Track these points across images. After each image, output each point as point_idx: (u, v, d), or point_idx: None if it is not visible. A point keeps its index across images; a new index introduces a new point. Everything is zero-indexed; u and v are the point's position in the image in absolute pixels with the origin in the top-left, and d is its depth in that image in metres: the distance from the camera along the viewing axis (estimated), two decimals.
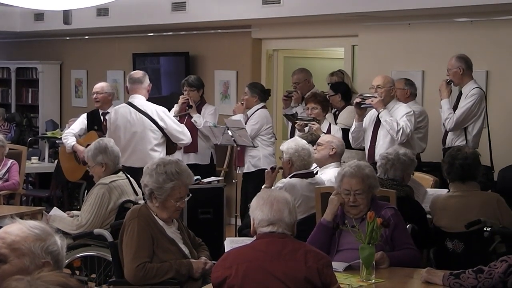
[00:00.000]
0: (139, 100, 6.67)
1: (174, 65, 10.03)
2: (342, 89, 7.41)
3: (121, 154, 5.44)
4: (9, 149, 7.40)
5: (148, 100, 6.77)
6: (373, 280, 3.81)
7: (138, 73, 6.84)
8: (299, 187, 5.37)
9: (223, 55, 9.56)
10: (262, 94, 7.66)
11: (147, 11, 9.40)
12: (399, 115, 6.24)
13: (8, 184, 7.20)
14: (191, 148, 7.45)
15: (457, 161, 4.80)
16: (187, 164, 4.52)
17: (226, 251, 3.84)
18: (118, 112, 6.73)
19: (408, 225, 4.50)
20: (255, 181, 6.97)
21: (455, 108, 6.48)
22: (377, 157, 5.89)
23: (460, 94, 6.55)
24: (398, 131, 6.14)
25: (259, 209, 3.36)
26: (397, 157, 5.08)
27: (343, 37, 8.56)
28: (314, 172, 5.70)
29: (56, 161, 9.00)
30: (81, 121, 7.93)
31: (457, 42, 7.36)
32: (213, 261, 4.05)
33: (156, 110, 6.64)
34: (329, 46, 9.35)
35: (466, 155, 4.83)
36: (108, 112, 7.80)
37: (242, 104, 7.60)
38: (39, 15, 10.56)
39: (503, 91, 7.22)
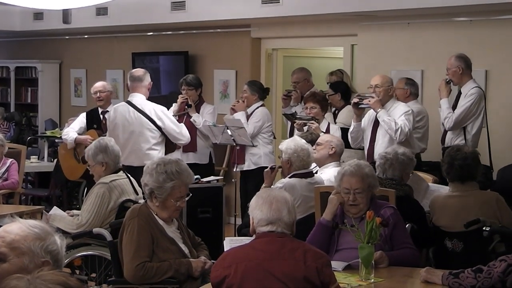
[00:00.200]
0: (138, 98, 6.68)
1: (173, 65, 10.03)
2: (342, 89, 7.42)
3: (120, 153, 5.44)
4: (9, 148, 7.38)
5: (147, 99, 6.77)
6: (372, 280, 3.81)
7: (138, 71, 6.83)
8: (298, 187, 5.37)
9: (222, 54, 9.56)
10: (261, 92, 7.67)
11: (147, 10, 9.40)
12: (398, 114, 6.24)
13: (7, 183, 7.19)
14: (190, 147, 7.45)
15: (456, 162, 4.80)
16: (186, 164, 4.51)
17: (225, 250, 3.84)
18: (117, 111, 6.73)
19: (407, 225, 4.50)
20: (256, 179, 6.97)
21: (454, 107, 6.48)
22: (376, 156, 5.89)
23: (459, 93, 6.55)
24: (397, 130, 6.14)
25: (258, 209, 3.36)
26: (396, 157, 5.07)
27: (342, 37, 8.56)
28: (314, 171, 5.71)
29: (55, 160, 9.00)
30: (80, 120, 7.93)
31: (457, 42, 7.36)
32: (213, 261, 4.06)
33: (155, 109, 6.63)
34: (328, 45, 9.35)
35: (465, 155, 4.83)
36: (107, 111, 7.81)
37: (244, 101, 7.59)
38: (38, 14, 10.56)
39: (502, 90, 7.22)
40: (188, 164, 4.47)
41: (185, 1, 8.97)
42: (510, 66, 7.19)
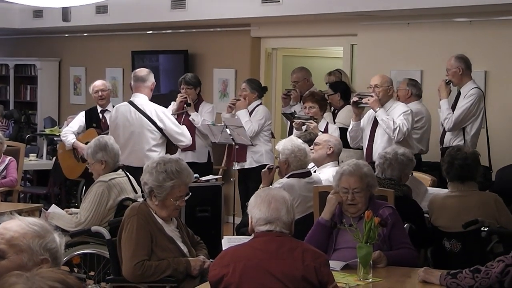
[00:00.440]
0: (140, 99, 6.63)
1: (173, 63, 10.03)
2: (342, 88, 7.42)
3: (120, 152, 5.43)
4: (7, 146, 7.38)
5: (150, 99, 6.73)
6: (371, 279, 3.82)
7: (142, 71, 6.75)
8: (297, 187, 5.37)
9: (222, 53, 9.56)
10: (260, 90, 7.68)
11: (146, 8, 9.40)
12: (396, 114, 6.24)
13: (6, 181, 7.19)
14: (188, 146, 7.44)
15: (456, 161, 4.80)
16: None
17: (223, 249, 3.84)
18: (118, 111, 6.71)
19: (405, 225, 4.50)
20: (258, 177, 6.92)
21: (453, 108, 6.48)
22: (375, 156, 5.89)
23: (459, 94, 6.55)
24: (395, 129, 6.14)
25: (257, 208, 3.36)
26: (395, 157, 5.08)
27: (342, 36, 8.56)
28: (312, 171, 5.70)
29: (54, 158, 9.00)
30: (79, 119, 7.93)
31: (456, 42, 7.37)
32: (211, 260, 4.06)
33: (156, 110, 6.59)
34: (328, 45, 9.35)
35: (466, 155, 4.83)
36: (106, 110, 7.80)
37: (245, 99, 7.59)
38: (38, 12, 10.56)
39: (501, 91, 7.23)
40: (186, 163, 4.47)
41: (185, 0, 8.97)
42: (510, 67, 7.19)
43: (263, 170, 5.77)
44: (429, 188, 5.64)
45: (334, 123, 7.15)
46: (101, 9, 9.78)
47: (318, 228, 4.28)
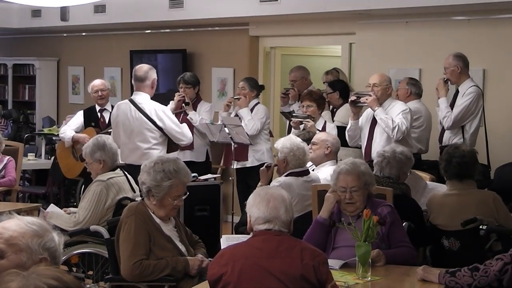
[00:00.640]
0: (140, 97, 6.58)
1: (171, 62, 10.03)
2: (340, 87, 7.42)
3: (122, 151, 5.41)
4: (6, 145, 7.38)
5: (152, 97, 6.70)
6: (369, 278, 3.82)
7: (141, 70, 6.56)
8: (295, 185, 5.37)
9: (220, 52, 9.56)
10: (258, 88, 7.70)
11: (145, 8, 9.40)
12: (395, 113, 6.24)
13: (4, 180, 7.19)
14: (189, 145, 7.44)
15: (454, 159, 4.81)
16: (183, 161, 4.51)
17: (222, 248, 3.84)
18: (119, 109, 6.68)
19: (404, 223, 4.50)
20: (259, 175, 6.96)
21: (451, 106, 6.49)
22: (373, 155, 5.89)
23: (457, 92, 6.56)
24: (394, 128, 6.14)
25: (255, 207, 3.36)
26: (393, 155, 5.07)
27: (340, 35, 8.56)
28: (311, 169, 5.70)
29: (52, 157, 9.00)
30: (78, 118, 7.93)
31: (454, 40, 7.37)
32: (210, 259, 4.06)
33: (155, 109, 6.55)
34: (326, 44, 9.35)
35: (463, 153, 4.84)
36: (105, 109, 7.80)
37: (246, 97, 7.59)
38: (36, 12, 10.56)
39: (500, 89, 7.23)
40: (185, 162, 4.46)
41: None
42: (508, 65, 7.20)
43: (261, 168, 5.77)
44: (429, 183, 5.62)
45: (333, 121, 7.15)
46: (99, 8, 9.78)
47: (317, 227, 4.28)
